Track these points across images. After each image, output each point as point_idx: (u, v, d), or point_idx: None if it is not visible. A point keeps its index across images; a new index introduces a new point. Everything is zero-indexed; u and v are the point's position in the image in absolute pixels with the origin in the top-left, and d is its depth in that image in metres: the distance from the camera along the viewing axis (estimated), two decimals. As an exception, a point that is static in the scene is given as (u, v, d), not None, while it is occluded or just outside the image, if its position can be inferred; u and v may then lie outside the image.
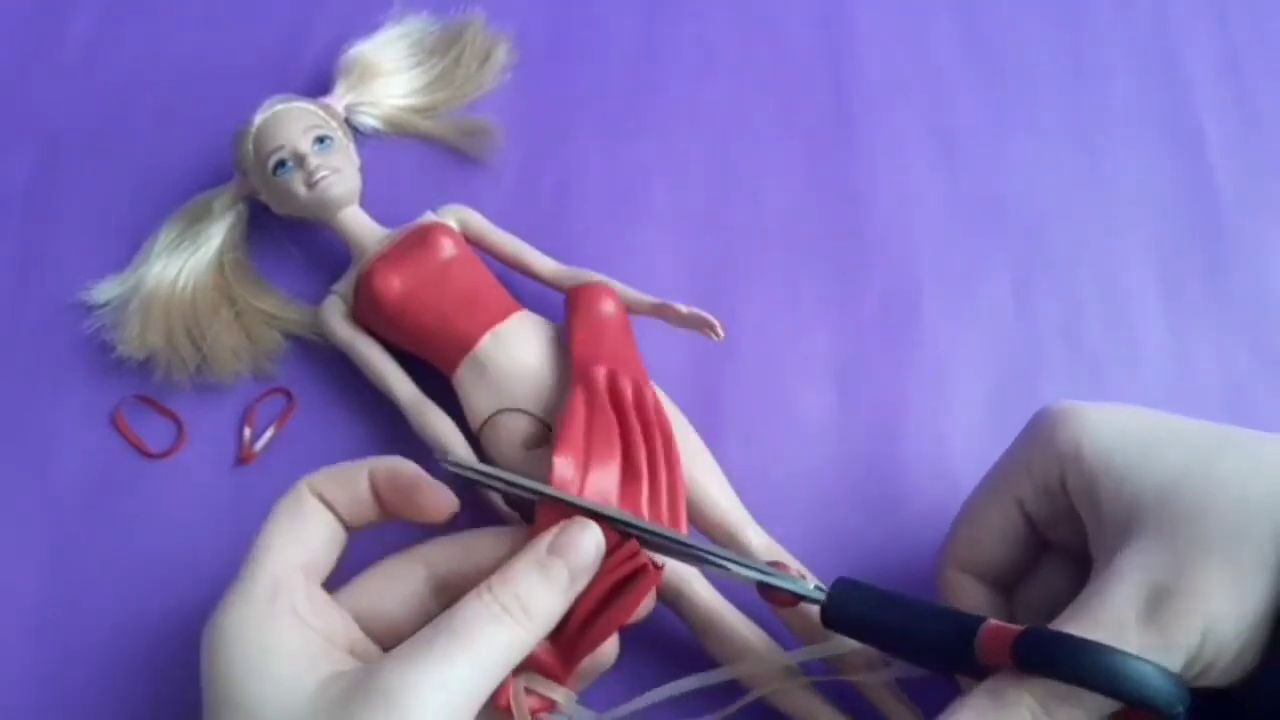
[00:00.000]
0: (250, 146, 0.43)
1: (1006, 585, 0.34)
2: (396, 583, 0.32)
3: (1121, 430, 0.30)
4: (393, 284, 0.40)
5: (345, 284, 0.43)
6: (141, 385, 0.43)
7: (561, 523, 0.30)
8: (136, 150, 0.48)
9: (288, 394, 0.43)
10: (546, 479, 0.34)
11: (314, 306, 0.43)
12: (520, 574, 0.29)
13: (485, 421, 0.39)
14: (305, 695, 0.27)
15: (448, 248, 0.41)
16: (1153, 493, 0.28)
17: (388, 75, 0.48)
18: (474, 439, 0.39)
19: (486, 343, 0.39)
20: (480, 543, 0.32)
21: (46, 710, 0.38)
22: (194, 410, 0.43)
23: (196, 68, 0.51)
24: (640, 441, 0.36)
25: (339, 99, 0.46)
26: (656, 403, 0.38)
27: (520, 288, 0.43)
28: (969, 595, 0.34)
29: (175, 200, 0.46)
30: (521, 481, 0.32)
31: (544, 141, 0.49)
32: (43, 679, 0.38)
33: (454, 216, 0.43)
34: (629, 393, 0.37)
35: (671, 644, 0.38)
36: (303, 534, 0.31)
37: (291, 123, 0.43)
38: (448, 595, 0.31)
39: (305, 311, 0.44)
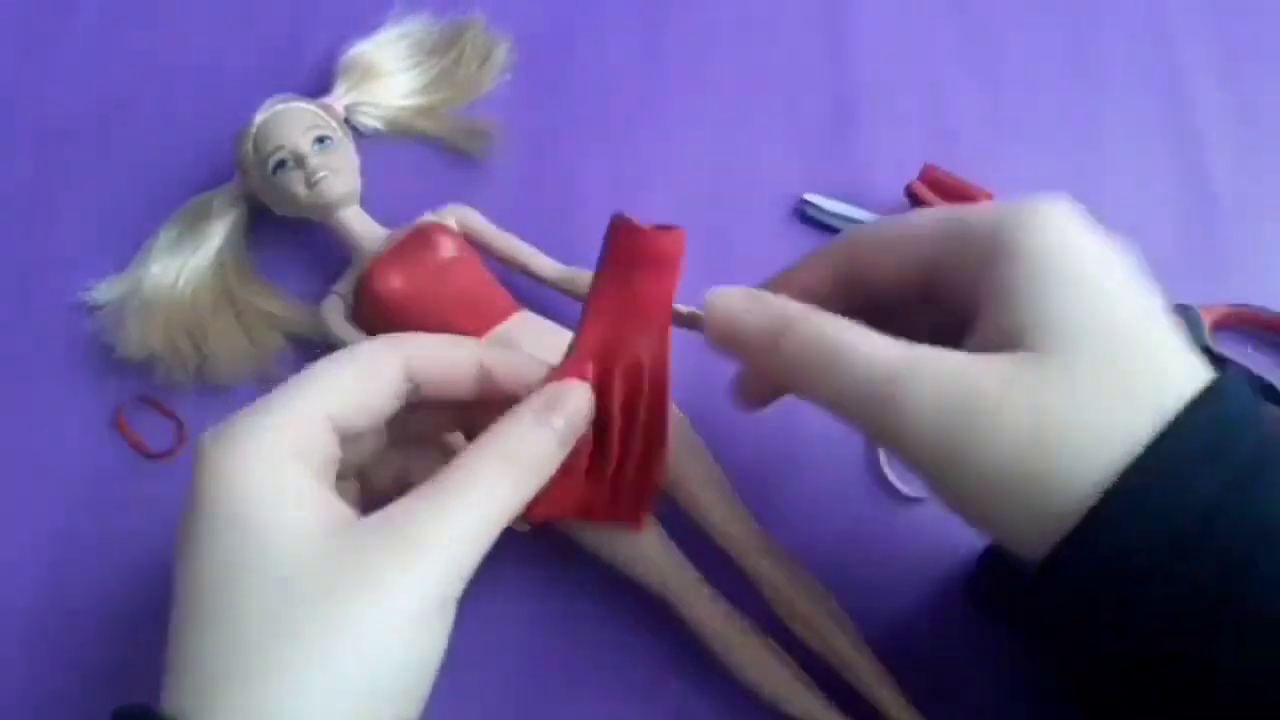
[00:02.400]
0: (250, 146, 0.43)
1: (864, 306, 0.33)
2: (373, 377, 0.30)
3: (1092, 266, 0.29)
4: (393, 284, 0.40)
5: (345, 284, 0.43)
6: (142, 386, 0.43)
7: (552, 383, 0.31)
8: (136, 150, 0.48)
9: (288, 394, 0.43)
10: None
11: (314, 307, 0.43)
12: (522, 425, 0.30)
13: (485, 421, 0.39)
14: (314, 547, 0.26)
15: (448, 248, 0.41)
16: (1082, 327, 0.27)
17: (388, 75, 0.48)
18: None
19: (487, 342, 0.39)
20: (461, 350, 0.32)
21: (45, 711, 0.38)
22: (194, 410, 0.43)
23: (196, 68, 0.51)
24: (617, 436, 0.36)
25: (339, 99, 0.46)
26: (655, 383, 0.36)
27: (521, 288, 0.43)
28: (814, 277, 0.33)
29: (175, 200, 0.46)
30: None
31: (544, 142, 0.49)
32: (41, 680, 0.38)
33: (454, 216, 0.43)
34: (617, 388, 0.36)
35: (673, 645, 0.38)
36: (354, 384, 0.30)
37: (291, 123, 0.43)
38: (416, 396, 0.31)
39: (305, 312, 0.44)
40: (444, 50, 0.50)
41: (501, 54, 0.50)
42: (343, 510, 0.28)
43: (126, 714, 0.27)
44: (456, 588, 0.27)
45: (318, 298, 0.43)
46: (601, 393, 0.33)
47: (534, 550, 0.40)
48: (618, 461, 0.34)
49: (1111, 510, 0.25)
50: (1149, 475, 0.25)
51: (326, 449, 0.29)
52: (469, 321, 0.40)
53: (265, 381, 0.43)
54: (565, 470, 0.32)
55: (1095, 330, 0.27)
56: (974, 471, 0.27)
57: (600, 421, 0.33)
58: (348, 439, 0.30)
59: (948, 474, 0.28)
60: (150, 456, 0.42)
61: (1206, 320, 0.43)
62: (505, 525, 0.29)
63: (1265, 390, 0.41)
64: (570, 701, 0.38)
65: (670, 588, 0.37)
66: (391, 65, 0.48)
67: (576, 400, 0.31)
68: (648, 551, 0.37)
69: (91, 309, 0.44)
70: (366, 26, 0.49)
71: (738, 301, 0.31)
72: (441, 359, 0.31)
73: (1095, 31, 0.51)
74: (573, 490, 0.34)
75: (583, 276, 0.42)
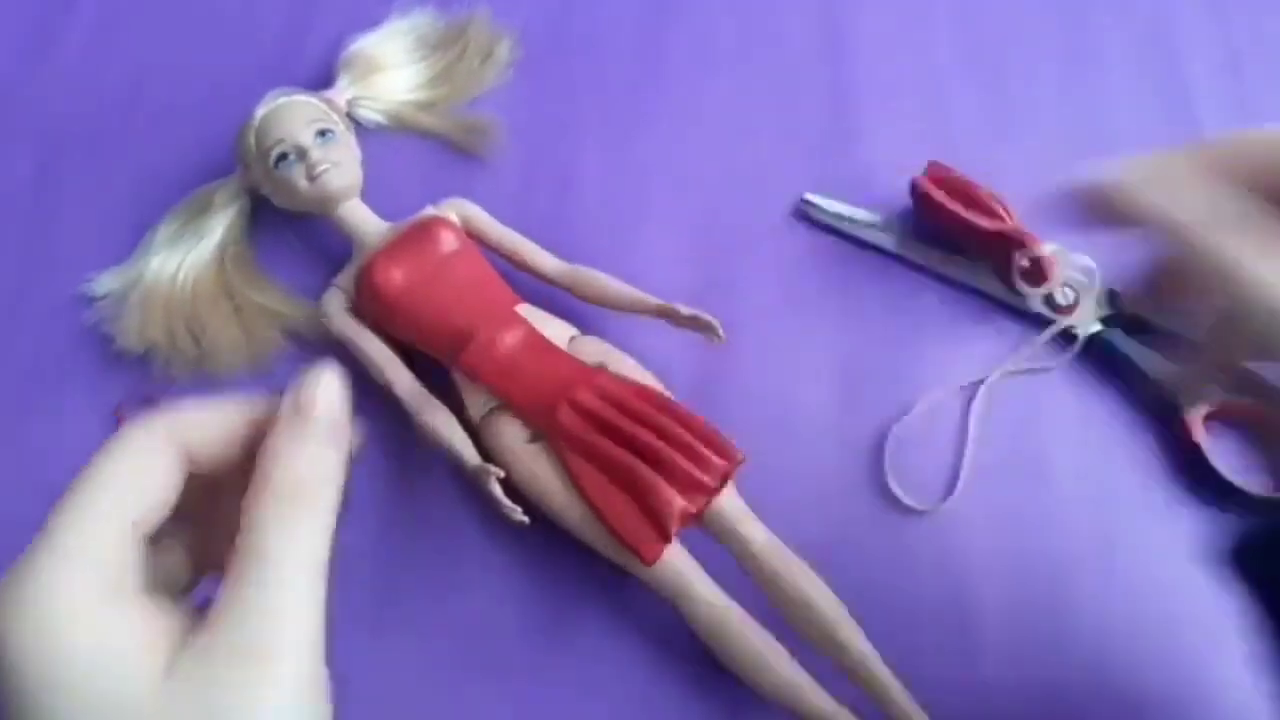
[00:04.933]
0: (252, 139, 0.43)
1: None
2: (153, 463, 0.26)
3: None
4: (393, 277, 0.40)
5: (346, 277, 0.42)
6: (143, 379, 0.43)
7: (300, 379, 0.26)
8: (137, 146, 0.48)
9: (287, 391, 0.43)
10: (548, 473, 0.36)
11: (314, 301, 0.43)
12: (283, 450, 0.25)
13: (485, 415, 0.39)
14: (157, 693, 0.23)
15: (449, 241, 0.41)
16: None
17: (390, 70, 0.48)
18: (474, 432, 0.39)
19: (486, 335, 0.39)
20: (229, 407, 0.27)
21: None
22: (193, 407, 0.43)
23: (197, 64, 0.51)
24: (636, 437, 0.36)
25: (341, 93, 0.46)
26: (625, 383, 0.39)
27: (520, 283, 0.43)
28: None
29: (176, 195, 0.46)
30: None
31: (545, 139, 0.49)
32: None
33: (455, 210, 0.43)
34: (597, 405, 0.38)
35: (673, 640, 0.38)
36: (144, 479, 0.25)
37: (293, 116, 0.43)
38: (195, 467, 0.27)
39: (305, 306, 0.44)
40: (447, 45, 0.50)
41: (504, 50, 0.50)
42: (168, 627, 0.24)
43: None
44: (318, 665, 0.24)
45: (319, 290, 0.43)
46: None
47: (532, 546, 0.40)
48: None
49: None
50: None
51: (130, 558, 0.25)
52: (468, 314, 0.40)
53: (261, 377, 0.43)
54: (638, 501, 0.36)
55: None
56: None
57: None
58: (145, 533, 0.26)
59: None
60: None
61: None
62: (329, 550, 0.25)
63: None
64: (571, 695, 0.38)
65: (671, 583, 0.36)
66: (394, 60, 0.48)
67: (324, 385, 0.26)
68: None
69: (91, 300, 0.44)
70: (370, 20, 0.49)
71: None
72: (211, 423, 0.26)
73: (1095, 31, 0.51)
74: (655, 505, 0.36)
75: (582, 273, 0.42)
